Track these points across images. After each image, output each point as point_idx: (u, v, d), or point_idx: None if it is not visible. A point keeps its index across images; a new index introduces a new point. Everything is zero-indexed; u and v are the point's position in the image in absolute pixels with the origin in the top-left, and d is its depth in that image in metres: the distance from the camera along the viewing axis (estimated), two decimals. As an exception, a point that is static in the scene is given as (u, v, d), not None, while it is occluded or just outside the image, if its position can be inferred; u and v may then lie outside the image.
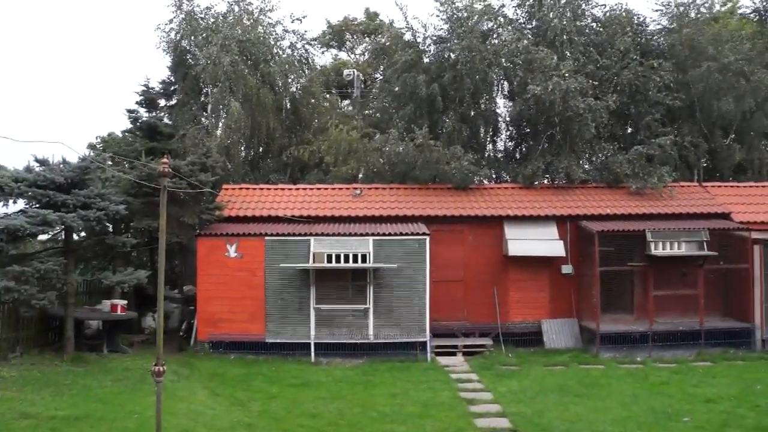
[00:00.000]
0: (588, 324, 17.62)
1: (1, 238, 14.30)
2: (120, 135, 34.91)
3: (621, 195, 19.29)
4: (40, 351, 15.69)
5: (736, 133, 21.24)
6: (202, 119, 21.95)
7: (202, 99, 22.80)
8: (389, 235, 16.94)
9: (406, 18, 22.24)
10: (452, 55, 21.03)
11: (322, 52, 29.93)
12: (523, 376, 14.91)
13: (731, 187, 19.98)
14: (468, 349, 17.37)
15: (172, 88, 22.98)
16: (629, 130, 21.79)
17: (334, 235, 17.00)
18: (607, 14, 22.21)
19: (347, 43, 35.58)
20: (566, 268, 18.32)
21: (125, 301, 17.15)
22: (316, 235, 16.95)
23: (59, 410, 11.24)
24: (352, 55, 35.41)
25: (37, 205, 15.05)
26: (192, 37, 21.91)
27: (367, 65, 31.16)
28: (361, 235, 16.94)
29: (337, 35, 34.90)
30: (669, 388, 13.65)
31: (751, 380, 14.02)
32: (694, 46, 21.17)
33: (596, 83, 20.06)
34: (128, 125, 21.34)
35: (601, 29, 21.83)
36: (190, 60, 22.21)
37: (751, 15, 24.66)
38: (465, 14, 21.22)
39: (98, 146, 36.11)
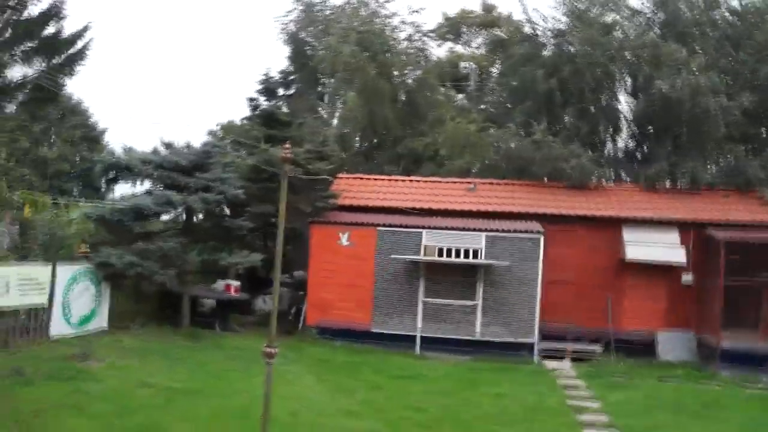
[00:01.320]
0: (707, 338, 16.60)
1: (129, 217, 15.20)
2: (238, 123, 36.48)
3: (751, 202, 18.06)
4: (158, 324, 16.48)
5: None
6: (319, 109, 22.33)
7: (319, 89, 23.20)
8: (502, 231, 16.67)
9: (525, 10, 21.64)
10: (571, 49, 20.33)
11: (439, 45, 29.72)
12: (634, 387, 14.27)
13: None
14: (576, 355, 16.83)
15: (290, 77, 23.48)
16: (764, 131, 20.30)
17: (446, 228, 16.89)
18: (745, 4, 20.69)
19: (463, 35, 35.18)
20: (686, 277, 17.36)
21: (239, 283, 17.77)
22: (428, 227, 16.90)
23: (175, 382, 11.79)
24: (468, 48, 34.99)
25: (161, 186, 15.85)
26: (310, 28, 22.31)
27: (482, 58, 30.75)
28: (474, 230, 16.77)
29: (453, 28, 34.56)
30: (798, 417, 12.66)
31: None
32: None
33: (730, 80, 18.78)
34: (248, 113, 21.93)
35: (737, 21, 20.38)
36: (308, 51, 22.64)
37: None
38: (584, 6, 20.40)
39: (218, 133, 37.73)
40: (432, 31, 27.52)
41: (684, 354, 16.86)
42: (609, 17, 20.70)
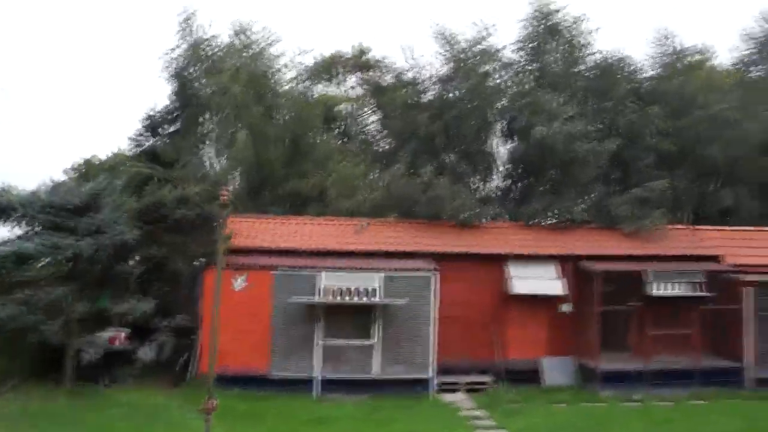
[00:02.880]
0: (586, 362, 17.94)
1: (8, 263, 14.11)
2: (102, 158, 34.72)
3: (617, 236, 19.82)
4: (36, 383, 15.28)
5: (723, 178, 22.11)
6: (204, 148, 21.94)
7: (203, 128, 22.79)
8: (398, 270, 17.11)
9: (409, 58, 22.60)
10: (454, 95, 21.51)
11: (314, 85, 30.09)
12: (530, 413, 15.10)
13: (721, 230, 20.66)
14: (469, 386, 17.52)
15: (174, 115, 22.92)
16: (621, 174, 22.40)
17: (343, 269, 17.08)
18: (603, 61, 22.99)
19: (336, 77, 35.88)
20: (565, 307, 18.67)
21: (127, 331, 16.92)
22: (325, 269, 17.02)
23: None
24: (340, 89, 35.71)
25: (39, 229, 14.86)
26: (196, 66, 21.98)
27: (356, 100, 31.57)
28: (370, 269, 17.07)
29: (326, 69, 35.21)
30: (675, 425, 14.08)
31: (752, 417, 14.51)
32: (684, 95, 22.08)
33: (597, 127, 20.67)
34: (132, 151, 21.11)
35: (598, 75, 22.57)
36: (192, 89, 22.23)
37: (735, 68, 25.81)
38: (467, 56, 21.74)
39: (81, 168, 35.65)
40: (307, 72, 27.80)
41: (567, 378, 18.08)
42: (486, 67, 22.10)
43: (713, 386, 16.83)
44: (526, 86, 21.24)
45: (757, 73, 25.14)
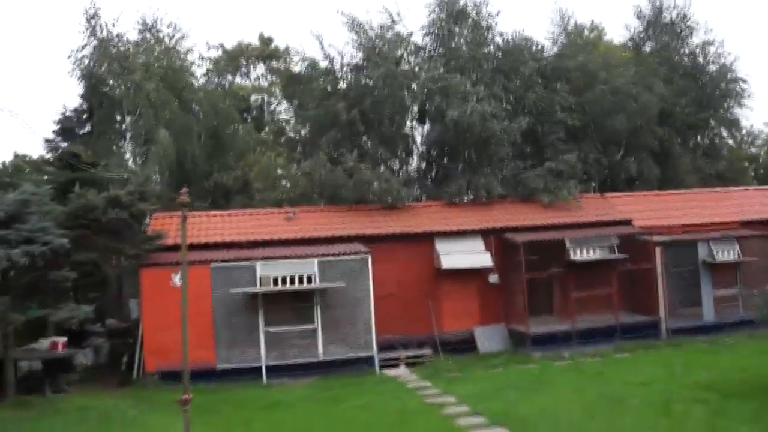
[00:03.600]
0: (516, 327, 19.04)
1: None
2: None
3: (535, 208, 21.02)
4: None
5: (627, 148, 23.79)
6: (123, 147, 21.50)
7: (120, 127, 22.30)
8: (333, 255, 17.53)
9: (322, 47, 22.92)
10: (370, 82, 22.02)
11: (223, 78, 29.88)
12: (471, 379, 15.98)
13: (629, 196, 22.31)
14: (410, 360, 18.24)
15: (87, 116, 22.29)
16: (533, 149, 23.62)
17: (278, 258, 17.35)
18: (508, 42, 24.10)
19: (242, 68, 35.64)
20: (493, 278, 19.69)
21: (65, 338, 16.57)
22: (261, 259, 17.24)
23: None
24: (247, 80, 35.53)
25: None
26: (106, 65, 21.43)
27: (265, 90, 31.64)
28: (306, 256, 17.42)
29: (232, 61, 34.89)
30: (606, 377, 15.23)
31: (669, 364, 15.93)
32: (587, 71, 23.52)
33: (507, 106, 21.72)
34: (46, 155, 20.42)
35: (504, 56, 23.66)
36: (104, 88, 21.67)
37: (629, 43, 27.66)
38: (379, 42, 22.29)
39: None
40: (222, 66, 27.59)
41: (499, 344, 19.15)
42: (398, 52, 22.72)
43: (633, 340, 18.32)
44: (438, 71, 21.94)
45: (648, 49, 27.07)
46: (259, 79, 35.00)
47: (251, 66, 35.54)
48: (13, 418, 13.60)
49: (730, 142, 29.34)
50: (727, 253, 19.53)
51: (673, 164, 25.18)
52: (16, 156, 34.25)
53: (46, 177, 19.14)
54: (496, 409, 12.74)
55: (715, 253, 19.44)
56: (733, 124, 27.70)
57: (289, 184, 21.24)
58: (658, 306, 19.10)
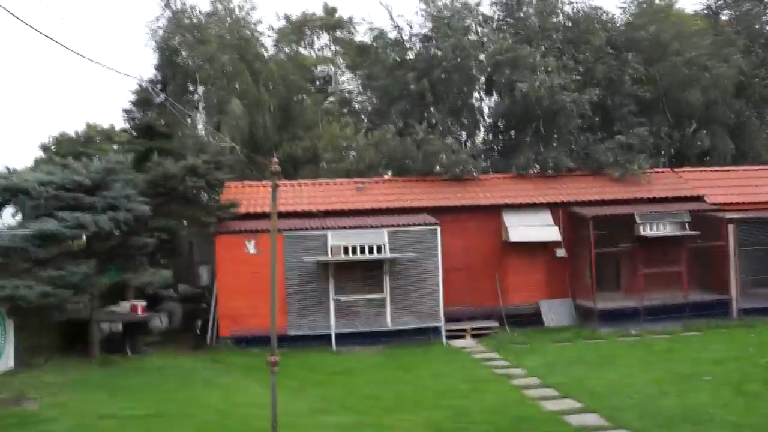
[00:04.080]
0: (583, 302, 18.98)
1: (33, 243, 14.34)
2: (73, 135, 34.45)
3: (604, 182, 20.74)
4: (64, 356, 15.66)
5: (700, 122, 23.20)
6: (197, 118, 22.08)
7: (192, 97, 22.86)
8: (403, 226, 17.77)
9: (392, 17, 22.93)
10: (438, 53, 21.97)
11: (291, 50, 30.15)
12: (539, 352, 16.08)
13: (701, 171, 21.81)
14: (476, 332, 18.45)
15: (159, 86, 22.92)
16: (603, 121, 23.25)
17: (350, 228, 17.68)
18: (578, 12, 23.65)
19: (306, 38, 35.84)
20: (560, 252, 19.60)
21: (144, 302, 17.31)
22: (333, 228, 17.59)
23: (130, 410, 11.51)
24: (311, 51, 35.74)
25: (53, 209, 15.02)
26: (180, 36, 21.93)
27: (331, 60, 31.77)
28: (376, 227, 17.70)
29: (296, 31, 35.10)
30: (675, 354, 15.12)
31: (742, 343, 15.73)
32: (659, 42, 22.93)
33: (576, 77, 21.39)
34: (126, 125, 21.15)
35: (573, 26, 23.24)
36: (178, 59, 22.22)
37: (705, 11, 26.76)
38: (448, 13, 22.16)
39: (51, 146, 35.40)
40: (287, 36, 27.85)
41: (565, 318, 19.15)
42: (466, 22, 22.56)
43: (703, 318, 18.03)
44: (506, 42, 21.70)
45: (726, 18, 26.16)
46: (323, 49, 35.19)
47: (315, 36, 35.75)
48: (101, 375, 14.44)
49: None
50: (804, 232, 18.99)
51: (749, 139, 24.43)
52: (88, 126, 35.54)
53: (116, 146, 19.75)
54: (566, 382, 12.87)
55: (791, 231, 18.94)
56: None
57: (356, 155, 21.42)
58: (730, 285, 18.73)
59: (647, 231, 18.55)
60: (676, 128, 23.25)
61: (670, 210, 18.95)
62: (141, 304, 17.07)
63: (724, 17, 26.50)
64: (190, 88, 21.92)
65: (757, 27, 25.90)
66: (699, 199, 19.99)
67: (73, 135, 35.03)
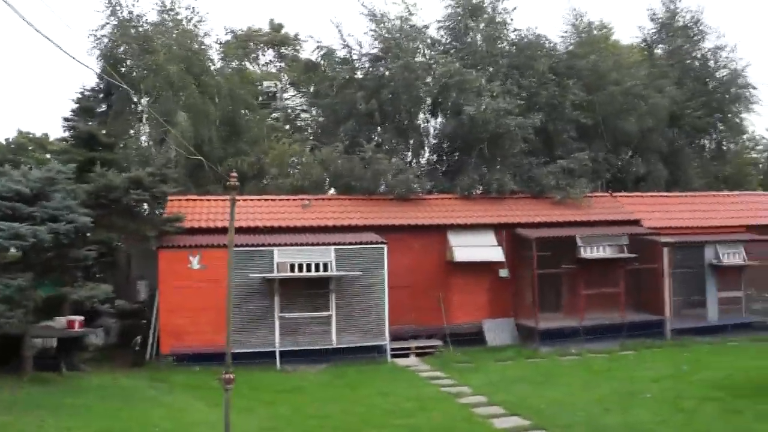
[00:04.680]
0: (525, 322, 19.36)
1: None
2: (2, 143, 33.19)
3: (546, 204, 21.27)
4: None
5: (636, 149, 24.13)
6: (142, 129, 21.61)
7: (137, 108, 22.36)
8: (350, 243, 17.76)
9: (342, 36, 23.07)
10: (387, 73, 22.20)
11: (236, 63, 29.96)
12: (483, 371, 16.31)
13: (637, 196, 22.64)
14: (420, 350, 18.56)
15: (101, 96, 22.34)
16: (545, 146, 23.87)
17: (297, 245, 17.56)
18: (522, 38, 24.33)
19: (252, 54, 35.61)
20: (503, 272, 19.96)
21: (82, 317, 16.70)
22: (280, 245, 17.44)
23: (74, 431, 11.06)
24: (256, 67, 35.54)
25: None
26: (125, 45, 21.48)
27: (276, 77, 31.76)
28: (324, 244, 17.64)
29: (241, 46, 34.85)
30: (614, 373, 15.60)
31: (676, 362, 16.38)
32: (598, 71, 23.80)
33: (520, 102, 21.92)
34: (64, 134, 20.50)
35: (518, 52, 23.89)
36: (122, 69, 21.73)
37: (642, 44, 27.98)
38: (398, 34, 22.46)
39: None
40: (234, 49, 27.63)
41: (508, 338, 19.47)
42: (415, 44, 22.90)
43: (639, 338, 18.69)
44: (454, 65, 22.11)
45: (660, 51, 27.41)
46: (267, 65, 35.11)
47: (261, 52, 35.62)
48: (35, 394, 13.70)
49: (732, 146, 29.70)
50: (733, 257, 19.91)
51: (682, 166, 25.57)
52: (20, 133, 34.28)
53: (51, 156, 19.06)
54: (512, 400, 13.10)
55: (721, 255, 19.82)
56: (737, 129, 28.11)
57: (302, 172, 21.34)
58: (664, 306, 19.46)
59: (588, 253, 19.13)
60: (613, 154, 24.12)
61: (609, 233, 19.60)
62: (79, 319, 16.45)
63: (658, 51, 27.76)
64: (135, 98, 21.42)
65: (687, 62, 27.22)
66: (636, 222, 20.76)
67: (2, 142, 33.80)
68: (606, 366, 16.39)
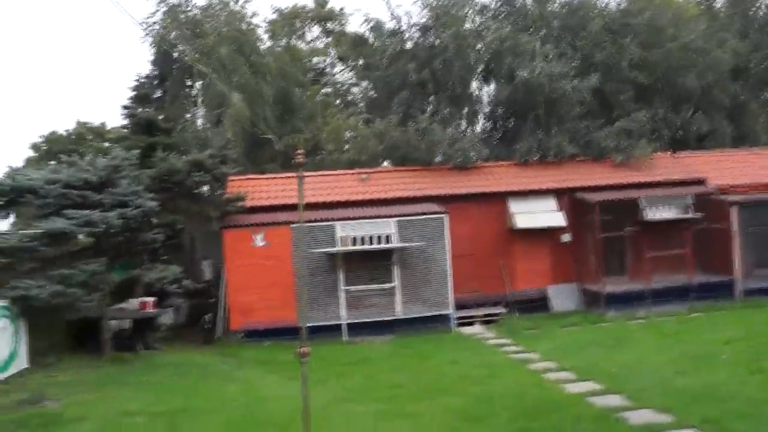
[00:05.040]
0: (590, 287, 19.14)
1: (41, 243, 14.22)
2: (63, 134, 34.16)
3: (606, 167, 20.90)
4: (73, 355, 15.52)
5: (697, 106, 23.39)
6: (197, 112, 21.96)
7: (190, 91, 22.71)
8: (411, 215, 17.80)
9: (389, 7, 22.95)
10: (438, 42, 21.97)
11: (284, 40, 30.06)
12: (549, 337, 16.19)
13: (700, 155, 22.00)
14: (484, 318, 18.57)
15: (155, 82, 22.74)
16: (602, 107, 23.36)
17: (358, 218, 17.68)
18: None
19: (298, 31, 35.69)
20: (565, 237, 19.74)
21: (154, 298, 17.22)
22: (341, 219, 17.58)
23: (154, 406, 11.40)
24: (303, 43, 35.62)
25: (57, 207, 14.89)
26: (176, 30, 21.78)
27: (323, 52, 31.77)
28: (384, 217, 17.73)
29: (287, 23, 34.95)
30: (684, 336, 15.26)
31: (749, 323, 15.88)
32: (655, 27, 23.06)
33: (574, 64, 21.48)
34: (125, 122, 20.98)
35: (570, 12, 23.32)
36: (175, 53, 22.06)
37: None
38: (447, 2, 22.17)
39: (42, 146, 35.07)
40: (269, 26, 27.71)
41: (572, 303, 19.33)
42: (463, 11, 22.58)
43: (707, 300, 18.26)
44: (505, 30, 21.73)
45: (719, 3, 26.39)
46: (314, 41, 35.15)
47: (307, 28, 35.63)
48: (115, 373, 14.28)
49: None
50: (807, 212, 19.22)
51: (747, 122, 24.71)
52: (79, 123, 35.22)
53: (110, 144, 19.54)
54: (582, 365, 12.91)
55: (794, 211, 19.17)
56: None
57: (356, 146, 21.39)
58: (734, 266, 18.96)
59: (652, 215, 18.73)
60: (674, 112, 23.43)
61: (673, 194, 19.14)
62: (151, 300, 16.99)
63: (717, 2, 26.74)
64: (189, 82, 21.72)
65: (751, 12, 26.13)
66: (701, 182, 20.20)
67: (63, 133, 34.83)
68: (675, 329, 16.06)
